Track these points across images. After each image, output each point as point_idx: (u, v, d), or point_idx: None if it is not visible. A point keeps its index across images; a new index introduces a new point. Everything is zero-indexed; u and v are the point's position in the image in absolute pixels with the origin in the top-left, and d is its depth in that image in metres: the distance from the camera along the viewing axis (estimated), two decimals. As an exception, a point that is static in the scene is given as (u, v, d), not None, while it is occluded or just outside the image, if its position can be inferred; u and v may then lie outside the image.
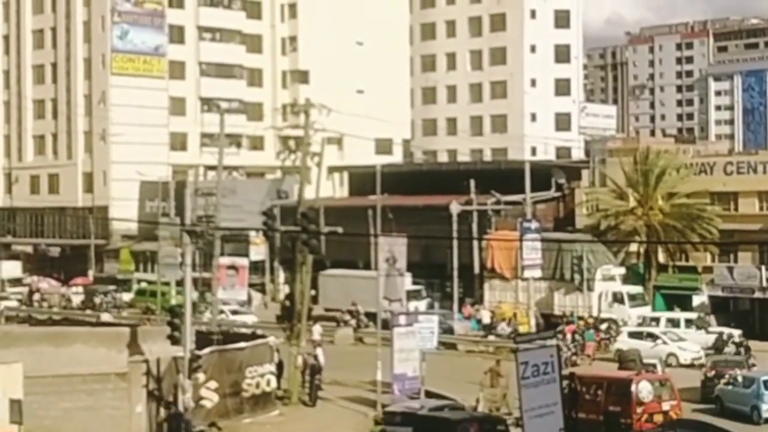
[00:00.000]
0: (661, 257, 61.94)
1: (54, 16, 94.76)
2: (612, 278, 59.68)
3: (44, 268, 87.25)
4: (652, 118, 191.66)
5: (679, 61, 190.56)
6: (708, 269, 61.12)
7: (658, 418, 33.25)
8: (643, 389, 33.88)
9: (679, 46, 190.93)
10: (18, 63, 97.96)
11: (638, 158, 62.88)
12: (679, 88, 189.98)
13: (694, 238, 58.84)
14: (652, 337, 49.61)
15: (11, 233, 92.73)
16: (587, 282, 58.59)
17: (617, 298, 58.25)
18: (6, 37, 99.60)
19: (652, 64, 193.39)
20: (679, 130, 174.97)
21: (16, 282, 79.26)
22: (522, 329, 53.84)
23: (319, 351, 41.80)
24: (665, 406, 34.05)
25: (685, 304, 59.43)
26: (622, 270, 60.70)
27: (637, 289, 59.66)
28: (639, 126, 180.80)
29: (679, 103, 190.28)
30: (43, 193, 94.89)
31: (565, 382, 30.91)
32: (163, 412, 33.90)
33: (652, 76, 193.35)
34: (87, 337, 41.17)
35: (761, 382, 36.83)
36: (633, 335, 50.29)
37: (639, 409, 33.35)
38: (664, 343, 48.93)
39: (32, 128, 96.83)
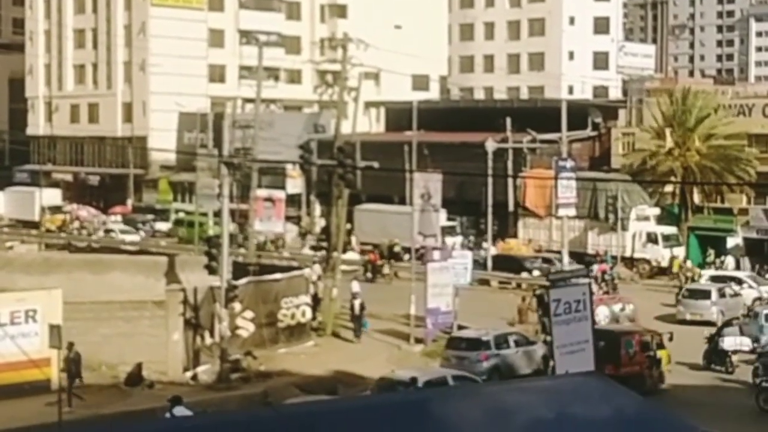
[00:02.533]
0: (697, 198, 61.84)
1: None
2: (646, 218, 59.71)
3: (84, 197, 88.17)
4: (691, 59, 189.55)
5: (720, 0, 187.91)
6: (743, 211, 60.94)
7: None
8: (600, 313, 36.56)
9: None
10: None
11: (676, 99, 62.58)
12: (720, 29, 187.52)
13: (731, 179, 58.69)
14: (737, 281, 49.46)
15: (51, 161, 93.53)
16: (621, 222, 58.67)
17: (651, 239, 58.35)
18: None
19: (692, 3, 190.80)
20: (719, 71, 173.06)
21: (56, 209, 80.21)
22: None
23: (355, 284, 42.08)
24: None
25: (719, 245, 59.47)
26: (657, 210, 60.71)
27: (671, 229, 59.67)
28: (678, 66, 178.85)
29: (719, 43, 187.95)
30: (83, 123, 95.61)
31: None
32: (199, 339, 34.62)
33: (692, 16, 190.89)
34: (125, 265, 41.94)
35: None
36: (715, 279, 50.15)
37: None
38: (750, 287, 48.89)
39: (72, 58, 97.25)
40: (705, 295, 45.69)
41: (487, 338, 34.71)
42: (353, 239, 62.78)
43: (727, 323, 39.65)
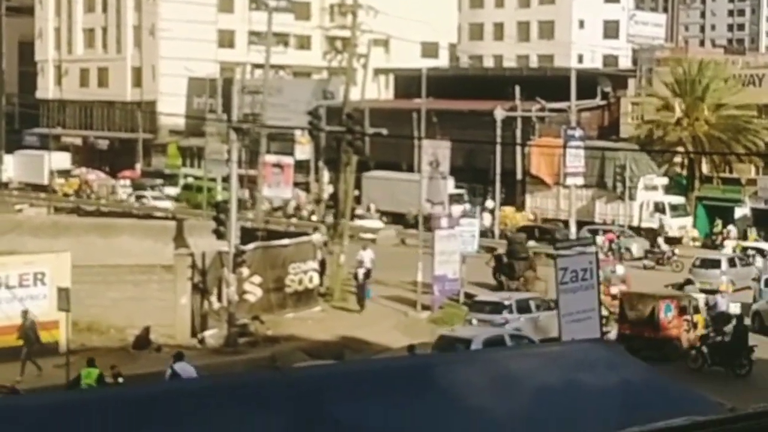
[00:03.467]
0: (705, 168, 61.78)
1: None
2: (654, 188, 59.72)
3: (93, 161, 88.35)
4: (702, 28, 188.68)
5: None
6: (752, 182, 60.89)
7: (607, 300, 35.63)
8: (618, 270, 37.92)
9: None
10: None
11: (686, 68, 62.40)
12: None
13: (740, 149, 58.57)
14: (762, 253, 49.64)
15: (61, 125, 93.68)
16: (629, 191, 58.73)
17: (659, 208, 58.40)
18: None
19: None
20: (729, 41, 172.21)
21: (65, 173, 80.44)
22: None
23: (365, 253, 42.13)
24: (613, 290, 37.42)
25: (727, 216, 59.46)
26: (665, 180, 60.71)
27: (679, 199, 59.69)
28: (688, 36, 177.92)
29: (731, 13, 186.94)
30: (93, 87, 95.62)
31: None
32: (207, 304, 34.83)
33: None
34: (134, 229, 42.12)
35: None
36: (743, 250, 50.55)
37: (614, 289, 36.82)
38: None
39: (82, 21, 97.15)
40: (715, 264, 45.90)
41: (509, 302, 35.25)
42: (372, 206, 62.80)
43: (688, 281, 41.38)
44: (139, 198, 70.64)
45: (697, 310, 34.88)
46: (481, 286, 42.52)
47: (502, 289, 41.74)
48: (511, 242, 45.54)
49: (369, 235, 55.23)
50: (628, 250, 52.06)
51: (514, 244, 44.92)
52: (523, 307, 35.28)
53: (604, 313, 35.18)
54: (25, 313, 30.07)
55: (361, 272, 39.44)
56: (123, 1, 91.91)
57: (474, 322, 34.45)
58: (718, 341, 32.01)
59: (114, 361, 28.11)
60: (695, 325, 34.03)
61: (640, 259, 50.75)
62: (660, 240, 52.84)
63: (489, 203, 63.78)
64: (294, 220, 60.22)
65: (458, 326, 33.89)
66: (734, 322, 33.67)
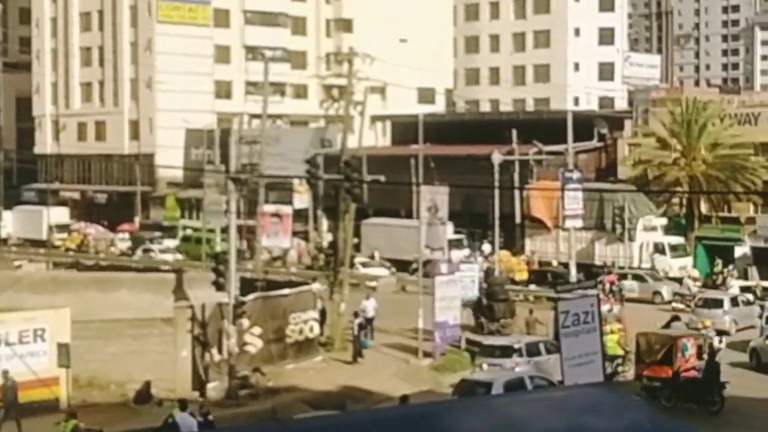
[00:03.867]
0: (704, 208, 61.78)
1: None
2: (654, 229, 59.63)
3: (91, 215, 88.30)
4: (697, 68, 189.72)
5: (725, 10, 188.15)
6: (751, 220, 60.92)
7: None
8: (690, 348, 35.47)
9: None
10: (65, 10, 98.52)
11: (682, 108, 62.59)
12: (725, 38, 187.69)
13: (737, 188, 58.65)
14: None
15: (59, 180, 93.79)
16: (629, 232, 58.63)
17: (658, 249, 58.28)
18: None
19: (697, 12, 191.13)
20: (724, 81, 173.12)
21: (64, 228, 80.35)
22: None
23: (368, 302, 41.77)
24: (606, 329, 36.05)
25: (727, 255, 59.35)
26: (664, 220, 60.66)
27: (678, 239, 59.60)
28: (683, 76, 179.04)
29: (725, 52, 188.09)
30: (90, 140, 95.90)
31: None
32: (207, 356, 34.61)
33: (697, 26, 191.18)
34: (133, 283, 41.95)
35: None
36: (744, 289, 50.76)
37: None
38: None
39: (79, 76, 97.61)
40: (718, 304, 45.72)
41: (519, 345, 35.27)
42: (376, 254, 62.56)
43: (674, 318, 41.52)
44: (146, 251, 69.97)
45: (711, 348, 34.94)
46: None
47: (482, 330, 42.11)
48: (490, 284, 45.74)
49: (372, 283, 55.16)
50: (656, 292, 51.79)
51: (494, 286, 45.22)
52: (532, 351, 35.28)
53: (620, 352, 35.29)
54: (5, 373, 29.77)
55: (356, 323, 38.90)
56: (120, 54, 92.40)
57: (484, 366, 34.37)
58: (690, 378, 31.97)
59: (115, 417, 27.89)
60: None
61: (669, 302, 50.47)
62: (689, 282, 52.72)
63: (485, 247, 63.74)
64: (294, 269, 60.06)
65: (478, 370, 33.92)
66: (706, 358, 33.59)
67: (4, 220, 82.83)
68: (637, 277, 53.75)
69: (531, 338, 37.77)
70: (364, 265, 59.69)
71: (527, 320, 42.97)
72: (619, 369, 35.46)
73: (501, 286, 45.56)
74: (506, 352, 35.16)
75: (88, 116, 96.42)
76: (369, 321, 40.72)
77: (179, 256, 68.00)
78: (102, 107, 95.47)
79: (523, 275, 56.95)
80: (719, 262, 59.20)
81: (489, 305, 43.95)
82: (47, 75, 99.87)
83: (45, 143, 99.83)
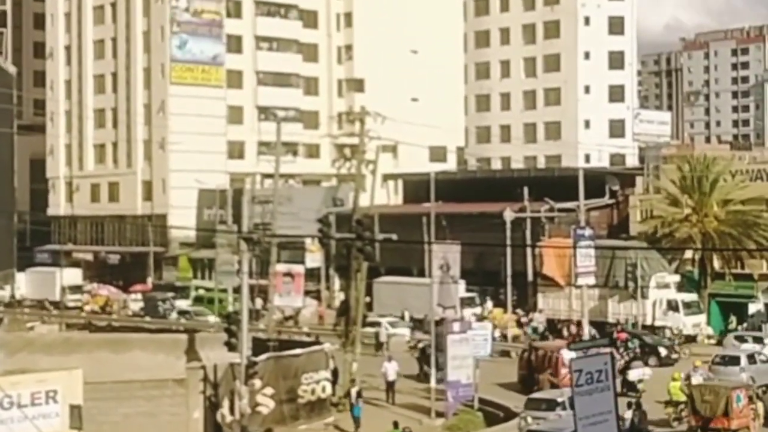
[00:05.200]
0: (717, 264, 61.56)
1: (114, 27, 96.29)
2: (666, 286, 59.35)
3: (104, 276, 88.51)
4: (707, 125, 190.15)
5: (734, 66, 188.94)
6: (764, 277, 60.60)
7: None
8: (567, 355, 39.44)
9: (734, 52, 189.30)
10: (79, 73, 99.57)
11: (693, 165, 62.66)
12: (735, 94, 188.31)
13: (750, 245, 58.53)
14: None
15: (72, 241, 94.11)
16: (641, 289, 58.36)
17: (672, 306, 57.96)
18: (68, 48, 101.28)
19: (707, 70, 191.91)
20: (735, 137, 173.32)
21: (77, 289, 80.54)
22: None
23: (390, 365, 41.59)
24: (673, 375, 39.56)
25: (740, 312, 59.06)
26: (677, 277, 60.38)
27: (692, 296, 59.30)
28: (694, 132, 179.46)
29: (735, 109, 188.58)
30: (104, 201, 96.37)
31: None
32: (220, 417, 34.50)
33: (707, 82, 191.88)
34: (145, 344, 41.84)
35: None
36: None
37: (563, 371, 39.89)
38: None
39: (93, 137, 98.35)
40: (735, 361, 45.53)
41: (562, 399, 35.63)
42: (405, 313, 62.31)
43: (634, 358, 46.23)
44: (182, 314, 68.68)
45: (759, 398, 35.81)
46: (504, 387, 42.21)
47: (426, 379, 42.17)
48: (438, 335, 46.05)
49: (383, 338, 55.14)
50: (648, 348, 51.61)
51: (440, 337, 45.35)
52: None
53: (683, 398, 36.64)
54: None
55: (354, 391, 38.20)
56: (133, 115, 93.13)
57: (529, 419, 34.89)
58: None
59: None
60: (759, 415, 35.01)
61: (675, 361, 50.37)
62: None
63: (488, 305, 63.69)
64: (305, 328, 60.00)
65: (543, 422, 34.32)
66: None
67: (17, 281, 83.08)
68: (635, 336, 53.64)
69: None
70: (392, 325, 59.32)
71: (546, 379, 42.93)
72: (683, 414, 36.40)
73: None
74: (551, 405, 35.84)
75: (102, 177, 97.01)
76: (390, 384, 40.45)
77: (217, 319, 66.47)
78: (115, 168, 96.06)
79: (516, 331, 58.44)
80: (733, 319, 58.93)
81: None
82: (61, 137, 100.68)
83: (58, 205, 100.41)
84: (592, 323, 55.83)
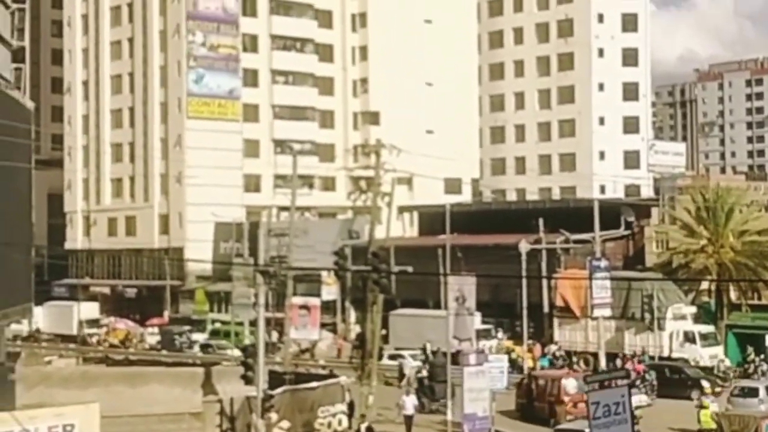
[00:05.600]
0: (733, 295, 61.34)
1: (131, 62, 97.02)
2: (683, 317, 59.10)
3: (121, 309, 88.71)
4: (723, 155, 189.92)
5: (749, 97, 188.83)
6: (781, 307, 60.44)
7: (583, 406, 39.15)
8: (569, 384, 42.81)
9: (749, 83, 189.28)
10: (97, 108, 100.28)
11: (708, 195, 62.62)
12: (750, 125, 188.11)
13: (767, 275, 58.32)
14: None
15: (89, 275, 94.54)
16: (658, 321, 58.17)
17: (689, 338, 57.69)
18: (85, 83, 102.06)
19: (721, 100, 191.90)
20: (750, 167, 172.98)
21: (94, 323, 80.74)
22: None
23: (408, 399, 41.33)
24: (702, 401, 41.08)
25: (758, 343, 58.78)
26: (693, 309, 60.16)
27: (708, 328, 59.03)
28: (709, 163, 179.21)
29: (750, 139, 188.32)
30: (121, 235, 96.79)
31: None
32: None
33: (721, 113, 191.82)
34: (162, 377, 41.96)
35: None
36: None
37: (566, 398, 42.32)
38: None
39: (110, 172, 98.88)
40: (753, 392, 45.33)
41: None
42: (427, 346, 62.00)
43: (632, 385, 44.84)
44: (205, 348, 68.04)
45: None
46: (503, 414, 42.13)
47: (423, 409, 43.29)
48: (432, 365, 46.01)
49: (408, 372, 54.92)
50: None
51: (436, 368, 45.56)
52: None
53: (713, 426, 37.43)
54: None
55: (363, 427, 37.43)
56: (150, 150, 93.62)
57: None
58: None
59: None
60: None
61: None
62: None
63: (499, 335, 63.52)
64: (322, 361, 59.98)
65: None
66: None
67: (35, 315, 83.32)
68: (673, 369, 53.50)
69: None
70: (414, 357, 58.89)
71: (567, 411, 42.87)
72: None
73: (442, 367, 45.59)
74: None
75: (119, 211, 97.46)
76: (409, 418, 40.32)
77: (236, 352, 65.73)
78: (132, 202, 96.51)
79: (530, 363, 57.88)
80: (752, 350, 58.63)
81: (430, 386, 45.97)
82: (79, 171, 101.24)
83: (76, 239, 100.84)
84: (609, 355, 55.66)
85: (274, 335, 61.93)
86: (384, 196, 43.97)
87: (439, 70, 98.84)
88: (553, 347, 60.63)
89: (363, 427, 37.36)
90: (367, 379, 41.65)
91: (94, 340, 76.93)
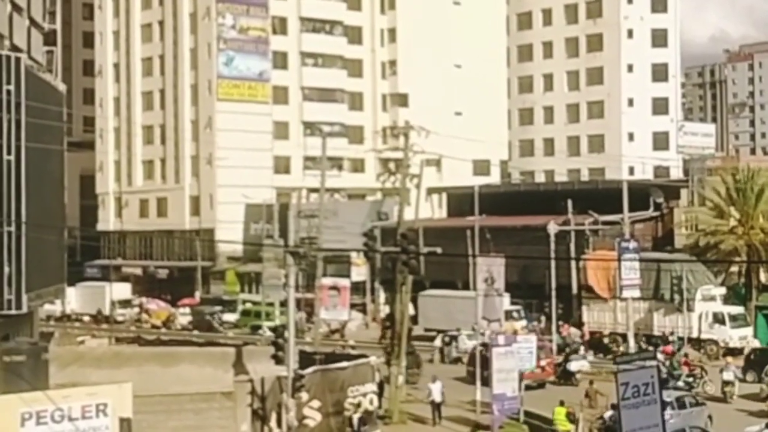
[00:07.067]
0: (763, 277, 61.21)
1: (162, 45, 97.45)
2: (712, 298, 59.05)
3: (153, 290, 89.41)
4: (752, 136, 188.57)
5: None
6: (811, 288, 60.27)
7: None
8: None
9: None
10: (128, 90, 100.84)
11: (738, 176, 62.42)
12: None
13: (796, 257, 58.18)
14: None
15: (121, 256, 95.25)
16: (687, 302, 58.14)
17: (718, 319, 57.64)
18: (116, 66, 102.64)
19: (751, 81, 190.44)
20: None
21: (126, 303, 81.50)
22: None
23: (434, 386, 41.04)
24: (542, 362, 46.18)
25: (788, 324, 58.70)
26: (723, 290, 60.07)
27: (738, 309, 58.91)
28: (739, 144, 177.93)
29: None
30: (152, 217, 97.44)
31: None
32: (267, 430, 34.92)
33: (752, 94, 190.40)
34: (194, 357, 42.27)
35: None
36: None
37: None
38: None
39: (141, 154, 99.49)
40: None
41: (670, 399, 36.39)
42: (476, 326, 61.75)
43: (574, 351, 51.06)
44: (255, 329, 67.58)
45: None
46: (542, 403, 42.23)
47: (388, 381, 41.95)
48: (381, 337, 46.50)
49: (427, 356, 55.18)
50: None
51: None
52: (682, 404, 37.67)
53: None
54: None
55: (356, 418, 36.79)
56: (181, 132, 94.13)
57: None
58: None
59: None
60: None
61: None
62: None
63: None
64: (351, 342, 60.37)
65: None
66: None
67: (68, 296, 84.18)
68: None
69: (678, 392, 39.87)
70: (469, 337, 58.63)
71: (587, 391, 42.92)
72: None
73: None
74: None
75: (150, 193, 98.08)
76: (437, 405, 40.22)
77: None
78: (163, 184, 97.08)
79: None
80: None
81: None
82: (110, 153, 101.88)
83: (108, 220, 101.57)
84: (638, 336, 55.77)
85: (301, 315, 62.28)
86: (413, 178, 44.10)
87: (467, 52, 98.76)
88: (573, 330, 60.50)
89: (356, 417, 36.53)
90: (396, 359, 41.93)
91: (133, 319, 77.75)
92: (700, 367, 47.84)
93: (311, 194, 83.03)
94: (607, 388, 39.94)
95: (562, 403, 37.74)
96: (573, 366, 48.72)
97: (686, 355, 52.48)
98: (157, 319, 77.58)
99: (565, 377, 48.39)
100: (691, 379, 45.95)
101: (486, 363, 46.76)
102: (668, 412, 35.60)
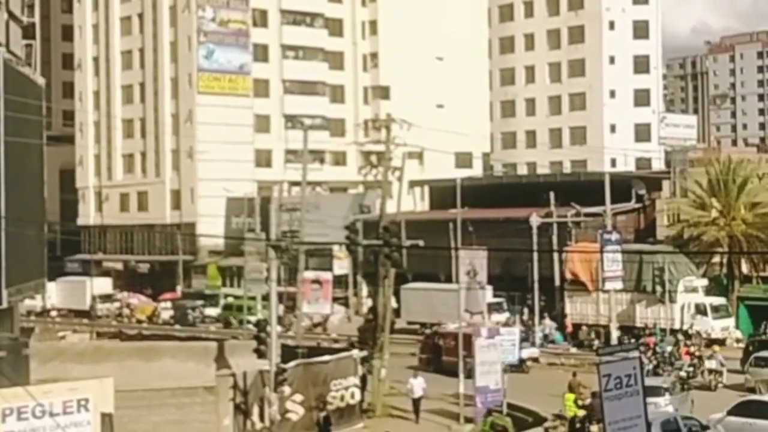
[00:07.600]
0: (745, 268, 61.37)
1: (142, 38, 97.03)
2: (694, 290, 59.18)
3: (134, 284, 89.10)
4: (734, 128, 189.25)
5: (760, 69, 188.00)
6: (793, 279, 60.44)
7: None
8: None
9: (760, 55, 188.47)
10: (107, 84, 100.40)
11: (719, 168, 62.53)
12: (761, 97, 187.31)
13: (778, 248, 58.33)
14: None
15: (102, 250, 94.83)
16: (669, 294, 58.22)
17: (700, 310, 57.78)
18: (96, 59, 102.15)
19: (733, 72, 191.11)
20: (762, 139, 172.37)
21: (107, 298, 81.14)
22: None
23: (416, 381, 40.51)
24: None
25: (770, 315, 58.75)
26: (705, 281, 60.20)
27: (720, 300, 59.09)
28: (720, 136, 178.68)
29: (761, 111, 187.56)
30: (133, 211, 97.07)
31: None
32: (249, 424, 34.77)
33: (733, 85, 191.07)
34: (175, 352, 42.11)
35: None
36: None
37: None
38: None
39: (121, 147, 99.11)
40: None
41: (667, 385, 37.87)
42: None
43: (524, 339, 51.16)
44: (227, 324, 68.22)
45: None
46: (525, 395, 42.23)
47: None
48: (361, 331, 46.28)
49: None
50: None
51: (365, 333, 45.57)
52: (675, 389, 38.46)
53: None
54: None
55: (321, 416, 35.97)
56: (161, 125, 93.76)
57: None
58: None
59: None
60: None
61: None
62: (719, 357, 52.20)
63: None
64: (333, 335, 60.31)
65: None
66: None
67: (48, 291, 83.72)
68: None
69: (671, 378, 40.83)
70: None
71: (570, 383, 42.85)
72: None
73: (370, 332, 45.84)
74: (658, 391, 36.38)
75: (131, 187, 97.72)
76: (416, 401, 39.90)
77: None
78: (144, 178, 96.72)
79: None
80: (765, 323, 58.50)
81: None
82: (90, 147, 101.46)
83: (88, 214, 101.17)
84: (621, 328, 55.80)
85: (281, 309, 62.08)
86: (395, 171, 43.98)
87: (449, 45, 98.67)
88: (548, 322, 60.63)
89: (321, 416, 36.12)
90: (379, 352, 41.80)
91: (117, 313, 77.52)
92: (698, 357, 47.84)
93: (293, 187, 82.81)
94: (590, 380, 39.97)
95: (571, 389, 37.82)
96: (524, 353, 48.95)
97: (687, 345, 52.57)
98: (142, 314, 77.34)
99: (516, 365, 46.65)
100: (691, 369, 45.94)
101: (439, 350, 49.67)
102: (667, 397, 36.94)
